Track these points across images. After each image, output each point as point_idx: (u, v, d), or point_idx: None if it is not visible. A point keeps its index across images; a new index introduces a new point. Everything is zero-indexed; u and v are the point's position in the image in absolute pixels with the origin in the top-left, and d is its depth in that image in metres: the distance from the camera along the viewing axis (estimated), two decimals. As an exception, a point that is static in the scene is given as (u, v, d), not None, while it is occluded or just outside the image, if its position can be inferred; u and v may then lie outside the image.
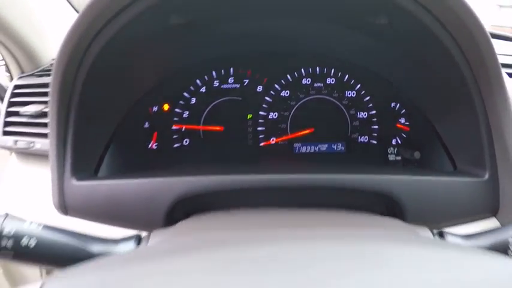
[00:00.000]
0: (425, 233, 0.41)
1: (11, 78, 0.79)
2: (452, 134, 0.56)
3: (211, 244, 0.33)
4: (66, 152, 0.48)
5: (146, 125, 0.66)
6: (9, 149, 0.70)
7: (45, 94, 0.69)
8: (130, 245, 0.39)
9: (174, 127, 0.67)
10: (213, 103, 0.67)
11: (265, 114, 0.67)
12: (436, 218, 0.46)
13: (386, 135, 0.66)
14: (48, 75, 0.73)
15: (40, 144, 0.64)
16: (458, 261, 0.31)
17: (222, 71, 0.67)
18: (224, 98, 0.67)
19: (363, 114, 0.66)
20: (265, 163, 0.64)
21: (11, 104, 0.71)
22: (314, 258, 0.30)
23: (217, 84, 0.67)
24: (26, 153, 0.70)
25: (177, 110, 0.67)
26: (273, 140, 0.67)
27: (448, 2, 0.41)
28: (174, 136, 0.67)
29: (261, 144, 0.67)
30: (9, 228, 0.35)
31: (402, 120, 0.66)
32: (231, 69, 0.67)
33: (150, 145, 0.67)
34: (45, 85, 0.70)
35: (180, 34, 0.57)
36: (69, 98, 0.47)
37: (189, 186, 0.46)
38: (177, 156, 0.66)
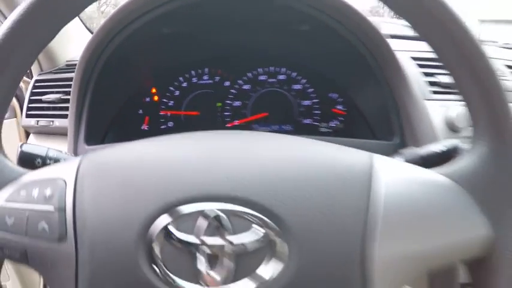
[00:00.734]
0: None
1: (31, 76, 0.97)
2: (369, 108, 0.75)
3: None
4: (81, 126, 0.66)
5: (140, 111, 0.85)
6: (31, 127, 0.88)
7: (61, 86, 0.87)
8: None
9: (161, 113, 0.86)
10: (192, 94, 0.86)
11: (231, 102, 0.86)
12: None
13: (326, 118, 0.85)
14: (64, 72, 0.91)
15: (58, 122, 0.82)
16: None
17: (199, 70, 0.86)
18: (200, 91, 0.86)
19: (307, 102, 0.86)
20: None
21: (33, 94, 0.89)
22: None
23: (195, 80, 0.86)
24: (44, 133, 0.88)
25: (164, 100, 0.86)
26: (236, 122, 0.86)
27: (346, 11, 0.60)
28: (162, 120, 0.86)
29: (227, 125, 0.86)
30: (52, 153, 0.41)
31: (339, 107, 0.85)
32: (206, 69, 0.86)
33: (142, 127, 0.85)
34: (61, 79, 0.88)
35: (169, 41, 0.76)
36: (87, 84, 0.66)
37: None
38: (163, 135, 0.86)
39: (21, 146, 0.40)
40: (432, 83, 0.72)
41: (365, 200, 0.29)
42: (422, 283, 0.64)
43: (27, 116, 0.87)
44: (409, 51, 0.76)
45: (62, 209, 0.30)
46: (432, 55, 0.34)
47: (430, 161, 0.38)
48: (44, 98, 0.85)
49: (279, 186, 0.29)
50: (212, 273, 0.28)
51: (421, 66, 0.74)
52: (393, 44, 0.62)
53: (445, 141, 0.39)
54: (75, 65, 0.65)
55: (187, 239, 0.28)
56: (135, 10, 0.60)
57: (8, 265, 0.96)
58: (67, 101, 0.72)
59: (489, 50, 0.32)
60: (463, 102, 0.34)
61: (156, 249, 0.28)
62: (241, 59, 0.85)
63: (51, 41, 0.35)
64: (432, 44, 0.34)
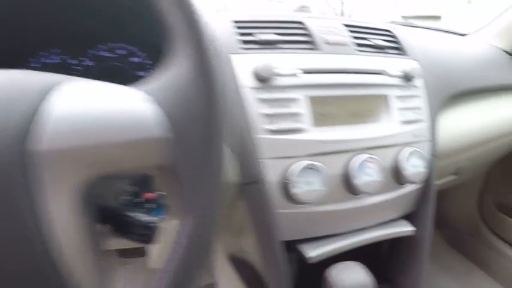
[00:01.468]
0: None
1: None
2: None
3: None
4: None
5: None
6: None
7: None
8: None
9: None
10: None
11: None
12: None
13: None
14: None
15: None
16: None
17: (46, 52, 0.87)
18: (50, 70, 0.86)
19: (142, 73, 0.84)
20: None
21: None
22: None
23: (45, 60, 0.86)
24: None
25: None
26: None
27: None
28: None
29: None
30: None
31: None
32: (53, 50, 0.87)
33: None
34: None
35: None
36: None
37: None
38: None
39: None
40: (246, 42, 0.77)
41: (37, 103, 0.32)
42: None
43: None
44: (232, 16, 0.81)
45: None
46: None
47: None
48: None
49: None
50: None
51: (239, 27, 0.79)
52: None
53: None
54: None
55: None
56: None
57: None
58: None
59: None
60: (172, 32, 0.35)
61: None
62: (81, 38, 0.84)
63: None
64: None
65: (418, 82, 0.87)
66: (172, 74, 0.36)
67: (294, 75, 0.73)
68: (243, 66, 0.67)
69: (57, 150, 0.31)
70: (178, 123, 0.34)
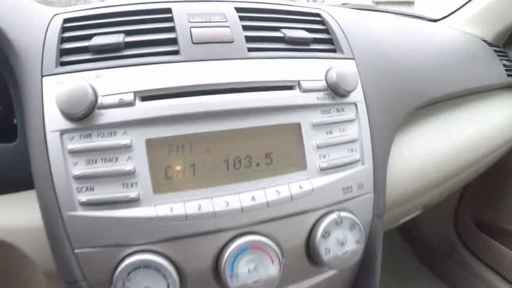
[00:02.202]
0: None
1: None
2: None
3: None
4: None
5: None
6: None
7: None
8: None
9: None
10: None
11: None
12: None
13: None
14: None
15: None
16: None
17: None
18: None
19: None
20: None
21: None
22: None
23: None
24: None
25: None
26: None
27: None
28: None
29: None
30: None
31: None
32: None
33: None
34: None
35: None
36: None
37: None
38: None
39: None
40: (71, 51, 0.45)
41: None
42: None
43: None
44: None
45: None
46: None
47: None
48: None
49: None
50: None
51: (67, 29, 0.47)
52: None
53: None
54: None
55: None
56: None
57: None
58: None
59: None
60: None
61: None
62: None
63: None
64: None
65: (356, 95, 0.53)
66: None
67: (122, 104, 0.43)
68: (53, 95, 0.43)
69: None
70: None
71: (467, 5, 0.93)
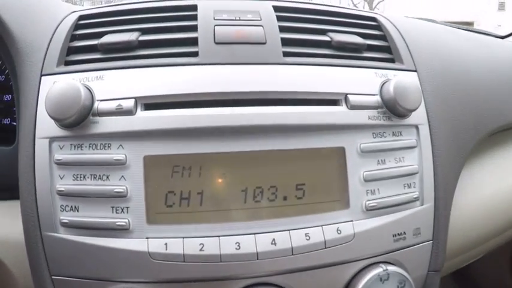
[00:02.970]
0: None
1: None
2: None
3: None
4: None
5: None
6: None
7: None
8: None
9: None
10: None
11: None
12: None
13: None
14: None
15: None
16: None
17: None
18: None
19: None
20: None
21: None
22: None
23: None
24: None
25: None
26: None
27: None
28: None
29: None
30: None
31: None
32: None
33: None
34: None
35: None
36: None
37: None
38: None
39: None
40: (78, 50, 0.42)
41: None
42: None
43: None
44: None
45: None
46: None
47: None
48: None
49: None
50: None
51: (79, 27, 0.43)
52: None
53: None
54: None
55: None
56: None
57: None
58: None
59: None
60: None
61: None
62: None
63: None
64: None
65: (418, 116, 0.41)
66: None
67: (120, 111, 0.35)
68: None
69: None
70: None
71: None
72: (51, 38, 0.40)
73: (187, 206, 0.34)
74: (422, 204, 0.40)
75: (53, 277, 0.34)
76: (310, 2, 0.49)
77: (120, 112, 0.34)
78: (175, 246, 0.32)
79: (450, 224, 0.43)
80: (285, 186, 0.35)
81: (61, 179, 0.34)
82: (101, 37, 0.39)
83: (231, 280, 0.33)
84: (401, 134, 0.40)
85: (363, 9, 0.52)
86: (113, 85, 0.35)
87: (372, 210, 0.37)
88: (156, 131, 0.34)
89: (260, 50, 0.39)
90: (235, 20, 0.41)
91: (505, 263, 1.10)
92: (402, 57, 0.44)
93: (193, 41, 0.39)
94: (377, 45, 0.45)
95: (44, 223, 0.33)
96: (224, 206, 0.34)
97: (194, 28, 0.40)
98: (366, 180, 0.37)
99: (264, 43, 0.39)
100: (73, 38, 0.41)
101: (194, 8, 0.42)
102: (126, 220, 0.33)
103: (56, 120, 0.33)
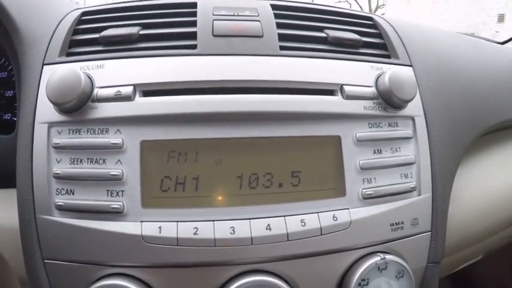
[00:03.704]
0: None
1: None
2: None
3: None
4: None
5: None
6: None
7: None
8: None
9: None
10: None
11: None
12: None
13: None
14: None
15: None
16: None
17: None
18: None
19: None
20: None
21: None
22: None
23: None
24: None
25: None
26: None
27: None
28: None
29: None
30: None
31: None
32: None
33: None
34: None
35: None
36: None
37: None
38: None
39: None
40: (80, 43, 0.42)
41: None
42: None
43: None
44: None
45: None
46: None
47: None
48: None
49: None
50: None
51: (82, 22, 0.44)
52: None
53: None
54: None
55: None
56: None
57: None
58: None
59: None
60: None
61: None
62: None
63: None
64: None
65: (413, 108, 0.40)
66: None
67: (119, 97, 0.34)
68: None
69: None
70: None
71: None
72: (55, 30, 0.40)
73: (182, 190, 0.33)
74: (420, 195, 0.39)
75: (45, 261, 0.33)
76: (308, 2, 0.49)
77: (118, 98, 0.34)
78: (169, 230, 0.32)
79: (449, 218, 0.42)
80: (280, 173, 0.35)
81: (58, 163, 0.33)
82: (102, 31, 0.39)
83: (225, 266, 0.32)
84: (397, 125, 0.40)
85: (360, 10, 0.52)
86: (113, 73, 0.35)
87: (369, 199, 0.36)
88: (154, 116, 0.33)
89: (257, 43, 0.38)
90: (234, 15, 0.41)
91: (505, 268, 1.07)
92: (398, 53, 0.44)
93: (193, 35, 0.39)
94: (373, 42, 0.45)
95: (39, 206, 0.33)
96: (219, 192, 0.33)
97: (193, 23, 0.40)
98: (362, 169, 0.36)
99: (261, 36, 0.39)
100: (76, 32, 0.41)
101: (194, 5, 0.42)
102: (121, 203, 0.32)
103: (56, 104, 0.33)
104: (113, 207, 0.32)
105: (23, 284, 0.37)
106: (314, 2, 0.50)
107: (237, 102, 0.34)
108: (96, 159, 0.33)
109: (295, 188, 0.35)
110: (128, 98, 0.34)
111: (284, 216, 0.33)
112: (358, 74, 0.40)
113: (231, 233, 0.32)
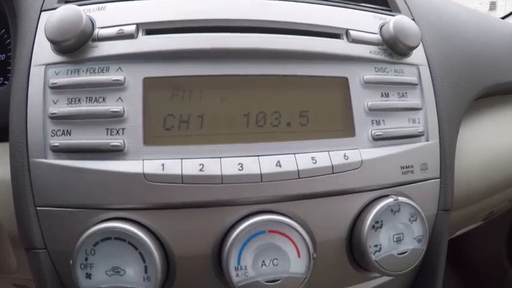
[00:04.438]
0: None
1: None
2: None
3: None
4: None
5: None
6: None
7: None
8: None
9: None
10: None
11: None
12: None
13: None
14: None
15: None
16: None
17: None
18: None
19: None
20: None
21: None
22: None
23: None
24: None
25: None
26: None
27: None
28: None
29: None
30: None
31: None
32: None
33: None
34: None
35: None
36: None
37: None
38: None
39: None
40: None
41: None
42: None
43: None
44: None
45: None
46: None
47: None
48: None
49: None
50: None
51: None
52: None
53: None
54: None
55: None
56: None
57: None
58: None
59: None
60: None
61: None
62: None
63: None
64: None
65: (418, 57, 0.39)
66: None
67: (121, 35, 0.32)
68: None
69: None
70: None
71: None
72: None
73: (186, 129, 0.31)
74: (428, 140, 0.37)
75: (37, 208, 0.30)
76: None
77: (121, 36, 0.31)
78: (173, 167, 0.29)
79: (456, 170, 0.41)
80: (288, 112, 0.33)
81: (54, 103, 0.31)
82: None
83: (232, 206, 0.30)
84: (403, 72, 0.38)
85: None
86: (115, 14, 0.33)
87: (378, 140, 0.34)
88: (158, 53, 0.31)
89: None
90: None
91: (500, 241, 1.06)
92: (400, 8, 0.43)
93: None
94: None
95: (32, 149, 0.30)
96: (225, 130, 0.31)
97: None
98: (370, 110, 0.35)
99: None
100: None
101: None
102: (121, 141, 0.30)
103: (54, 43, 0.31)
104: (112, 145, 0.29)
105: (14, 240, 0.35)
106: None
107: (243, 40, 0.33)
108: (96, 98, 0.30)
109: (304, 127, 0.33)
110: (130, 36, 0.31)
111: (294, 153, 0.31)
112: (362, 22, 0.39)
113: (239, 169, 0.30)
